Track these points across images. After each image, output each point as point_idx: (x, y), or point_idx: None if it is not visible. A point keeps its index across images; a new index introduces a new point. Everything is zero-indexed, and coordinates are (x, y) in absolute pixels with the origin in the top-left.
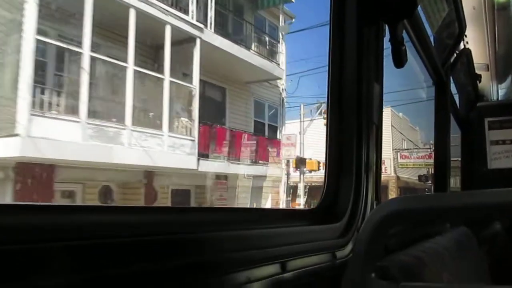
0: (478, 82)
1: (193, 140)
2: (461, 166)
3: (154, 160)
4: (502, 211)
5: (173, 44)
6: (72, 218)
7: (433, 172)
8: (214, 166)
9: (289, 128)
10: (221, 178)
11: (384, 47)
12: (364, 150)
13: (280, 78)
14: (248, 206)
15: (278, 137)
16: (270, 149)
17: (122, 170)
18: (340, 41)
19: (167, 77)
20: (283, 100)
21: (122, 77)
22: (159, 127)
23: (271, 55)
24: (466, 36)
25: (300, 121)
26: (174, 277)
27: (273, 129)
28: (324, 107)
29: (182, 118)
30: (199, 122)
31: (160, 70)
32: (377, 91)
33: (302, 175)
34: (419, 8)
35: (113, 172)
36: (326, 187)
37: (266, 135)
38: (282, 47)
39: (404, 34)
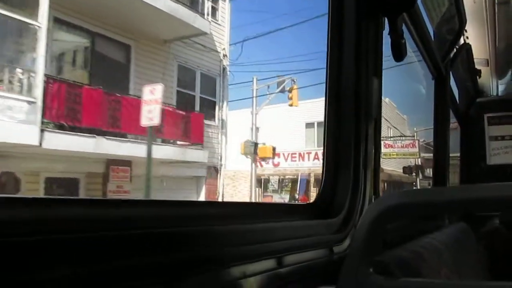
0: (478, 77)
1: (32, 102)
2: (460, 161)
3: None
4: (501, 206)
5: None
6: (73, 212)
7: (432, 167)
8: (88, 143)
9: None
10: (119, 163)
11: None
12: (362, 145)
13: (204, 33)
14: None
15: (218, 114)
16: (204, 129)
17: None
18: (339, 34)
19: None
20: (224, 69)
21: None
22: None
23: (197, 4)
24: (466, 31)
25: (252, 97)
26: (169, 271)
27: (209, 105)
28: (288, 83)
29: (17, 69)
30: (51, 78)
31: None
32: (376, 85)
33: (253, 165)
34: (419, 2)
35: None
36: (324, 181)
37: (198, 111)
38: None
39: (404, 29)
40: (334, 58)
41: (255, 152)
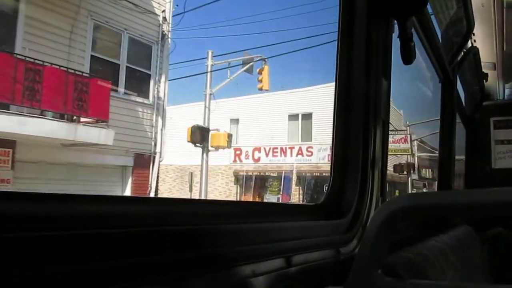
0: (484, 81)
1: None
2: (465, 165)
3: None
4: (507, 210)
5: None
6: (79, 208)
7: (438, 169)
8: None
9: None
10: None
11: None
12: (370, 146)
13: None
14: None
15: (154, 90)
16: (131, 107)
17: None
18: (349, 36)
19: None
20: (164, 35)
21: None
22: None
23: None
24: (474, 34)
25: (206, 73)
26: (177, 269)
27: (141, 78)
28: (258, 64)
29: None
30: None
31: None
32: (385, 87)
33: (204, 154)
34: (428, 4)
35: None
36: (332, 182)
37: (123, 84)
38: None
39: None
40: (344, 59)
41: (205, 140)
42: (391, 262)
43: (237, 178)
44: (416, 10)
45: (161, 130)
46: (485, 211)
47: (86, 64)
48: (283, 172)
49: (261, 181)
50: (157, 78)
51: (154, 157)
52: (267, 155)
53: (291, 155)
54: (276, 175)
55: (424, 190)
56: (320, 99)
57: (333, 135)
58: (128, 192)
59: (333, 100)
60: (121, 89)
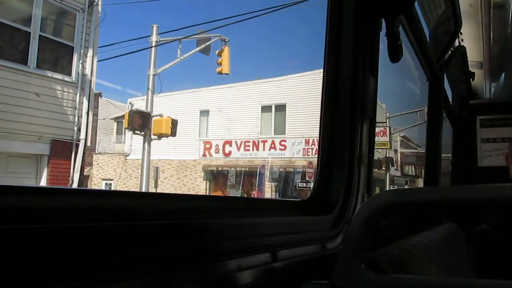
0: (471, 80)
1: None
2: (451, 162)
3: None
4: (493, 206)
5: None
6: (71, 201)
7: (424, 166)
8: None
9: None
10: None
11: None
12: (357, 143)
13: None
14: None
15: (77, 65)
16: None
17: None
18: (337, 34)
19: None
20: (92, 2)
21: None
22: None
23: None
24: (461, 33)
25: (151, 48)
26: (165, 263)
27: (61, 51)
28: (219, 43)
29: None
30: None
31: None
32: (372, 85)
33: (146, 144)
34: (416, 3)
35: None
36: (318, 179)
37: (35, 57)
38: None
39: (400, 29)
40: (332, 57)
41: (146, 127)
42: (375, 257)
43: (206, 173)
44: (403, 9)
45: (87, 113)
46: (470, 208)
47: None
48: (258, 167)
49: (232, 177)
50: (82, 52)
51: (77, 145)
52: (238, 149)
53: (264, 149)
54: (246, 169)
55: (406, 187)
56: (294, 90)
57: (320, 131)
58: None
59: (307, 90)
60: (32, 62)
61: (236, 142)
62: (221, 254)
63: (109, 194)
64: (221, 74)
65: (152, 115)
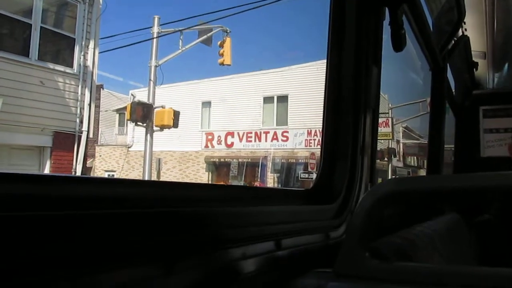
0: (474, 69)
1: None
2: (454, 153)
3: None
4: (495, 194)
5: None
6: (73, 189)
7: (426, 156)
8: None
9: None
10: None
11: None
12: (360, 133)
13: None
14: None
15: (79, 57)
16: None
17: None
18: (340, 24)
19: None
20: None
21: None
22: None
23: None
24: (465, 23)
25: (153, 39)
26: (169, 251)
27: (62, 42)
28: (221, 34)
29: None
30: None
31: None
32: (375, 76)
33: (148, 136)
34: None
35: None
36: (322, 168)
37: (36, 49)
38: None
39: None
40: (335, 47)
41: (148, 118)
42: (379, 245)
43: (209, 165)
44: None
45: (89, 105)
46: (472, 196)
47: None
48: (261, 158)
49: (234, 168)
50: (83, 43)
51: (79, 137)
52: (240, 140)
53: (266, 140)
54: (249, 160)
55: None
56: (296, 81)
57: (323, 122)
58: None
59: (309, 81)
60: (33, 54)
61: (238, 133)
62: (225, 242)
63: (112, 182)
64: (223, 65)
65: (154, 106)
